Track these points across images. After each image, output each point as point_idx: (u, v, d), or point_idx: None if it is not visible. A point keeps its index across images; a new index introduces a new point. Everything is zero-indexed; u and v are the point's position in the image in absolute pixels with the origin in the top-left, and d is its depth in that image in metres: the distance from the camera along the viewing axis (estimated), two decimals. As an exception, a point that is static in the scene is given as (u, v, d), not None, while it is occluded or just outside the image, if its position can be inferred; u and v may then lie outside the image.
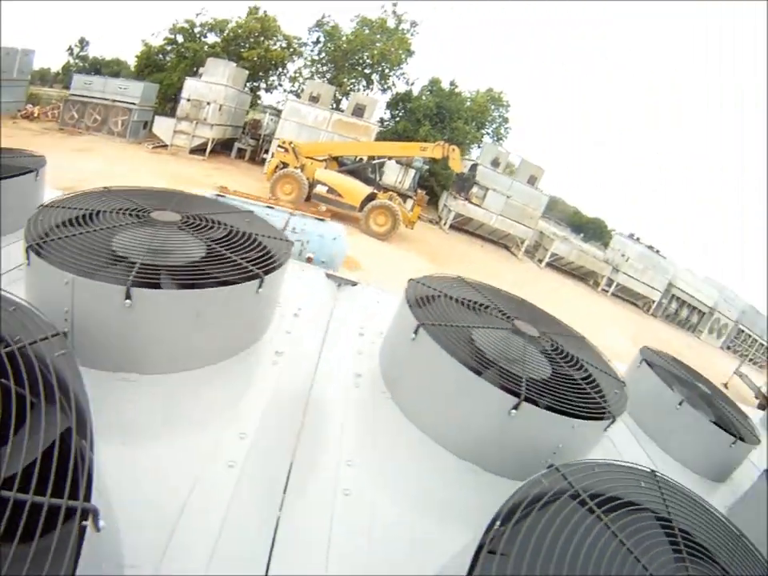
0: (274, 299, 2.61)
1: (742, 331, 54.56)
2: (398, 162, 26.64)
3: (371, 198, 21.98)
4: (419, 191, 26.09)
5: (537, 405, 2.07)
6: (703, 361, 38.15)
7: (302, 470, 1.82)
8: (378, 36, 35.38)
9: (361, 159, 24.08)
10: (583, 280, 40.23)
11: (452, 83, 37.79)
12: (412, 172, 29.14)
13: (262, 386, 2.19)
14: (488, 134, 41.29)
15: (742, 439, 3.11)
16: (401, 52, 35.86)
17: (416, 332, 2.26)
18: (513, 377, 2.16)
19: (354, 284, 3.71)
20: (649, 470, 1.76)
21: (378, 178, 24.41)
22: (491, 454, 2.16)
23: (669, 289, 44.75)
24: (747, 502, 2.68)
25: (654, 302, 44.22)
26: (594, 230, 73.44)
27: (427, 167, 29.74)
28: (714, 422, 3.06)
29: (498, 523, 1.33)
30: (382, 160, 24.05)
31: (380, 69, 36.67)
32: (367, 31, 35.11)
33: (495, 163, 32.24)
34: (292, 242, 2.78)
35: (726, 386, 33.05)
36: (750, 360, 56.76)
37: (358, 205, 21.71)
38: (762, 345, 59.03)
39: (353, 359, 2.63)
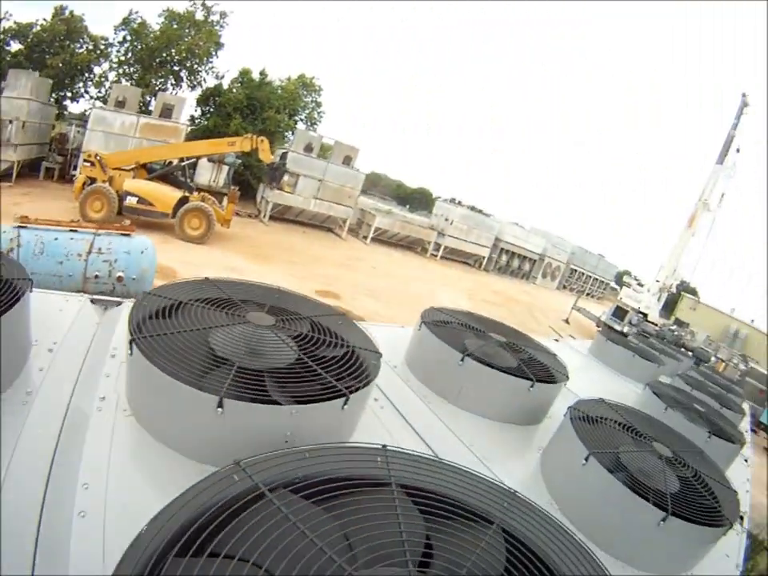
0: (21, 340, 2.37)
1: (575, 270, 58.23)
2: (209, 160, 26.06)
3: (183, 201, 21.26)
4: (233, 188, 25.72)
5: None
6: (542, 302, 39.81)
7: (45, 497, 1.70)
8: (187, 30, 33.85)
9: (171, 163, 23.15)
10: (411, 249, 40.82)
11: (262, 73, 36.82)
12: (226, 168, 28.92)
13: (13, 427, 1.98)
14: (301, 120, 40.66)
15: (545, 380, 3.14)
16: (209, 45, 34.49)
17: (130, 348, 2.10)
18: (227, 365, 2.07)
19: (119, 303, 3.33)
20: (381, 446, 1.72)
21: (189, 180, 23.84)
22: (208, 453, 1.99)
23: (497, 244, 46.42)
24: (557, 440, 2.70)
25: (484, 258, 45.70)
26: (419, 200, 74.60)
27: (240, 161, 29.44)
28: (506, 369, 3.04)
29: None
30: (192, 160, 23.52)
31: (188, 65, 35.20)
32: (175, 26, 33.36)
33: (309, 149, 32.28)
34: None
35: (567, 321, 35.26)
36: (588, 294, 60.74)
37: (171, 211, 20.99)
38: (597, 279, 63.33)
39: (102, 383, 2.39)
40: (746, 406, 9.17)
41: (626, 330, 31.21)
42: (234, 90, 35.58)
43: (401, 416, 2.70)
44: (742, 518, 3.22)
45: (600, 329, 34.24)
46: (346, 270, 25.35)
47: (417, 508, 1.56)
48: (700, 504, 2.36)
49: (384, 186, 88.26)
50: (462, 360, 2.93)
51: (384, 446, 1.76)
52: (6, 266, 2.42)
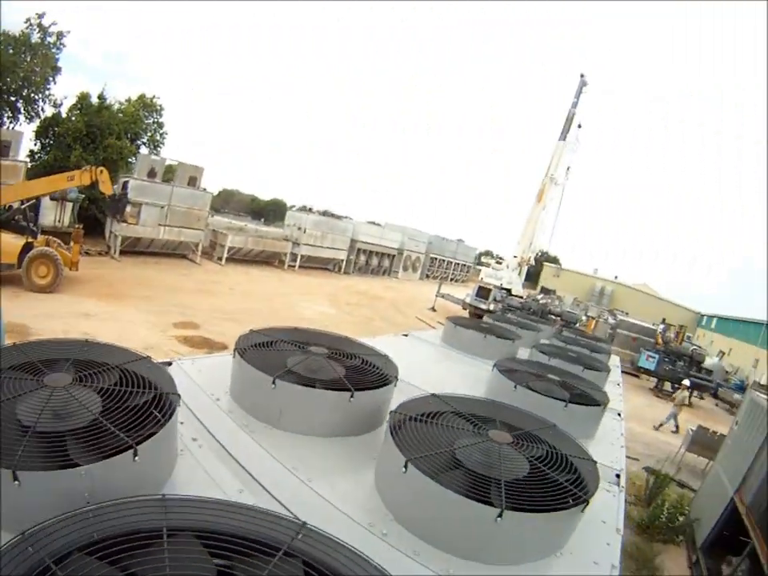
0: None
1: (435, 259, 59.65)
2: (52, 198, 24.58)
3: (28, 248, 20.00)
4: (77, 226, 24.32)
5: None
6: (406, 295, 40.77)
7: None
8: (22, 56, 31.28)
9: (11, 207, 21.11)
10: (269, 263, 40.75)
11: (100, 96, 34.82)
12: (71, 205, 27.46)
13: None
14: (144, 144, 39.19)
15: (370, 387, 3.06)
16: (46, 71, 32.25)
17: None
18: None
19: None
20: (160, 495, 1.72)
21: (32, 224, 21.65)
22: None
23: (353, 245, 46.84)
24: (382, 449, 2.61)
25: (342, 261, 46.16)
26: (274, 212, 74.74)
27: (84, 196, 28.21)
28: (322, 384, 3.01)
29: None
30: (32, 201, 21.54)
31: (24, 93, 32.65)
32: (11, 51, 30.58)
33: (152, 173, 31.31)
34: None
35: (433, 309, 36.00)
36: (452, 279, 62.26)
37: (15, 261, 19.62)
38: (458, 264, 64.99)
39: None
40: (615, 358, 9.59)
41: (491, 307, 32.16)
42: (73, 118, 33.63)
43: (223, 451, 2.61)
44: (618, 476, 3.41)
45: (467, 310, 35.29)
46: (203, 297, 25.01)
47: (207, 551, 1.55)
48: (546, 488, 2.36)
49: (237, 202, 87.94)
50: (274, 383, 2.86)
51: (163, 495, 1.74)
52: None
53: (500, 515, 2.06)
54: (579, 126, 39.11)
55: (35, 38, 32.21)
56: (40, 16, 32.24)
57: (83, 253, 25.63)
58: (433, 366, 5.85)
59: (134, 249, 31.36)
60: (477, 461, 2.44)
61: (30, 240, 20.36)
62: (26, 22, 31.89)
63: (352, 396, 2.90)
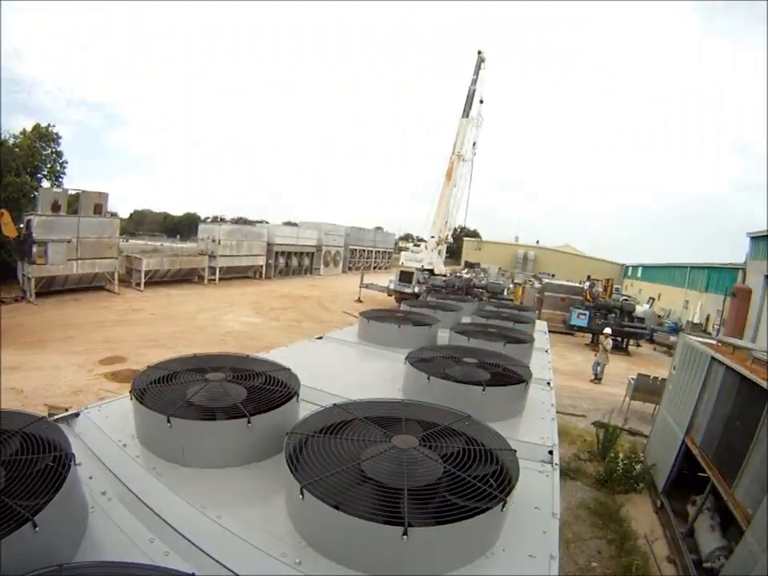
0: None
1: (355, 250, 59.95)
2: None
3: None
4: None
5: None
6: (331, 291, 41.01)
7: None
8: None
9: None
10: (188, 281, 40.42)
11: None
12: None
13: None
14: (45, 176, 38.02)
15: (269, 408, 3.03)
16: None
17: None
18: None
19: None
20: (57, 566, 1.74)
21: None
22: None
23: (270, 249, 46.85)
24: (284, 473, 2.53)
25: (262, 266, 46.32)
26: (188, 226, 74.01)
27: None
28: (217, 415, 3.00)
29: None
30: None
31: None
32: None
33: (56, 207, 30.55)
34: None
35: (359, 300, 36.16)
36: (375, 267, 62.57)
37: None
38: (379, 251, 65.31)
39: None
40: (542, 324, 9.77)
41: (416, 290, 32.38)
42: None
43: (133, 501, 2.57)
44: (551, 452, 3.32)
45: (392, 296, 35.52)
46: (126, 327, 24.61)
47: None
48: (460, 490, 2.28)
49: (151, 222, 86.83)
50: (169, 421, 2.82)
51: (60, 565, 1.73)
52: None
53: (405, 533, 1.97)
54: (481, 102, 39.70)
55: None
56: None
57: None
58: (349, 367, 5.73)
59: (50, 288, 30.68)
60: (380, 473, 2.37)
61: None
62: None
63: (249, 422, 2.85)
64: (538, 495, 2.74)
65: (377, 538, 2.02)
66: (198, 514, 2.46)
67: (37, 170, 36.91)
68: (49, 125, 38.46)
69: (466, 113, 39.09)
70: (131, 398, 3.13)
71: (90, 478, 2.69)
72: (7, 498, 2.07)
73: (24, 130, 37.33)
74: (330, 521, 2.12)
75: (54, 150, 38.90)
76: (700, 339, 11.33)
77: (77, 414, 3.49)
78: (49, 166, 38.64)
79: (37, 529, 1.94)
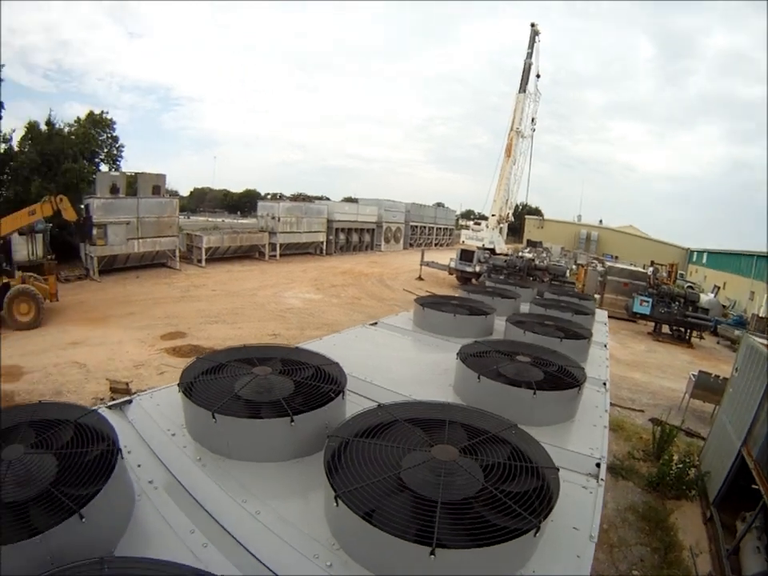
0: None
1: (415, 227, 59.56)
2: (20, 234, 23.47)
3: (5, 288, 20.21)
4: (48, 257, 24.22)
5: None
6: (392, 268, 40.59)
7: None
8: None
9: None
10: (249, 257, 40.65)
11: (47, 123, 34.36)
12: (41, 236, 25.69)
13: None
14: (102, 160, 38.84)
15: (312, 407, 3.00)
16: None
17: None
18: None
19: None
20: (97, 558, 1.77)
21: (6, 263, 21.89)
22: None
23: (331, 225, 46.69)
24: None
25: (322, 242, 46.14)
26: (249, 203, 74.51)
27: (51, 225, 26.58)
28: (260, 413, 2.99)
29: None
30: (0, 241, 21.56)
31: None
32: None
33: (114, 189, 31.28)
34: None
35: (420, 278, 35.93)
36: (436, 244, 62.18)
37: None
38: (441, 228, 64.86)
39: None
40: (602, 314, 9.30)
41: (477, 269, 32.06)
42: (26, 150, 33.19)
43: (178, 490, 2.64)
44: (599, 465, 3.14)
45: (454, 275, 35.25)
46: (187, 303, 25.03)
47: None
48: (495, 510, 2.19)
49: (211, 200, 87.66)
50: (214, 417, 2.85)
51: (102, 558, 1.76)
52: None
53: (432, 553, 1.90)
54: (538, 77, 39.15)
55: None
56: None
57: (63, 279, 26.10)
58: (401, 357, 5.50)
59: (113, 267, 31.41)
60: (415, 486, 2.30)
61: (6, 280, 20.55)
62: None
63: (292, 421, 2.86)
64: (578, 514, 2.61)
65: (405, 554, 1.99)
66: (238, 508, 2.50)
67: (94, 156, 37.54)
68: (102, 111, 39.21)
69: (522, 87, 38.56)
70: (179, 391, 3.17)
71: (139, 465, 2.77)
72: (58, 488, 2.15)
73: (78, 118, 37.97)
74: (359, 531, 2.12)
75: (109, 135, 39.57)
76: (764, 341, 10.57)
77: (129, 401, 3.55)
78: (105, 150, 39.35)
79: (83, 520, 2.01)
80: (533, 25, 38.22)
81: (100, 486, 2.18)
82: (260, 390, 3.18)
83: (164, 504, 2.51)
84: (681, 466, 11.17)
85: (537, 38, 38.32)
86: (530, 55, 38.51)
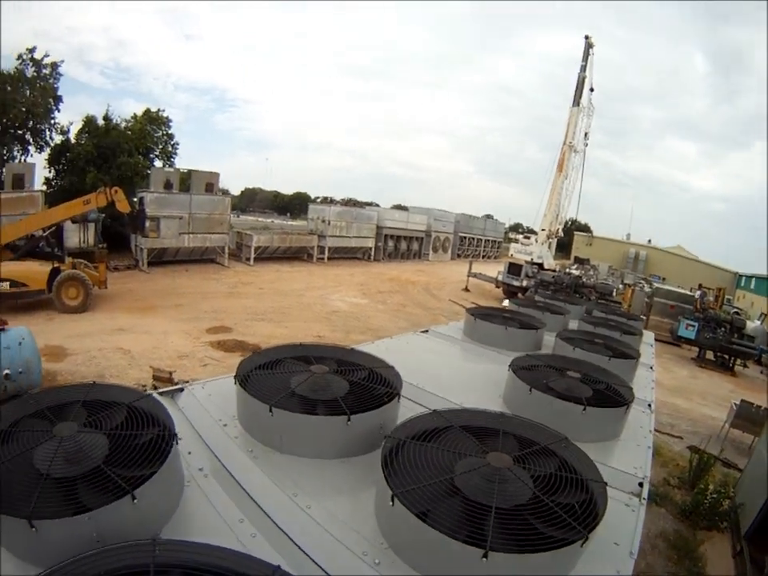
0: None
1: (464, 237, 59.39)
2: (73, 222, 24.47)
3: (56, 273, 20.59)
4: (100, 246, 24.99)
5: None
6: (439, 278, 40.47)
7: None
8: (21, 90, 32.07)
9: (33, 236, 21.95)
10: (298, 258, 40.83)
11: (105, 118, 35.50)
12: (93, 225, 26.74)
13: None
14: (157, 156, 39.84)
15: (368, 408, 3.00)
16: (47, 102, 33.25)
17: None
18: None
19: None
20: (150, 540, 1.79)
21: (57, 249, 22.67)
22: None
23: (380, 231, 46.76)
24: (377, 475, 2.45)
25: (371, 248, 46.26)
26: (299, 206, 75.17)
27: (104, 215, 27.48)
28: (318, 409, 3.00)
29: None
30: (53, 228, 22.24)
31: (30, 125, 33.60)
32: (9, 88, 31.18)
33: (168, 185, 31.92)
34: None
35: (467, 289, 35.78)
36: (484, 256, 61.99)
37: (45, 287, 20.28)
38: (489, 240, 64.65)
39: None
40: (649, 335, 9.09)
41: (524, 284, 31.93)
42: (83, 142, 34.10)
43: (228, 480, 2.66)
44: (641, 484, 3.11)
45: (501, 288, 35.09)
46: (234, 299, 25.23)
47: None
48: (545, 518, 2.19)
49: (261, 200, 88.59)
50: (271, 411, 2.87)
51: (153, 539, 1.78)
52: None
53: (485, 555, 1.93)
54: (591, 90, 38.60)
55: (30, 72, 32.97)
56: (31, 51, 32.92)
57: (112, 268, 26.64)
58: (451, 366, 5.57)
59: (162, 259, 31.92)
60: (471, 490, 2.31)
61: (57, 265, 20.94)
62: (18, 59, 32.60)
63: (349, 419, 2.86)
64: (620, 530, 2.59)
65: (457, 555, 1.99)
66: (288, 501, 2.51)
67: (149, 151, 38.48)
68: (159, 109, 40.27)
69: (576, 101, 38.08)
70: (235, 383, 3.19)
71: (189, 453, 2.79)
72: (110, 468, 2.16)
73: (135, 114, 38.97)
74: (414, 530, 2.11)
75: (165, 132, 40.59)
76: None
77: (181, 390, 3.60)
78: (160, 147, 40.38)
79: (135, 501, 2.02)
80: (587, 37, 37.54)
81: (155, 468, 2.19)
82: (316, 388, 3.20)
83: (213, 492, 2.53)
84: (715, 496, 10.91)
85: (591, 50, 37.62)
86: (583, 68, 37.90)
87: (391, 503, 2.18)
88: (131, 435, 2.43)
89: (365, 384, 3.36)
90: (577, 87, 38.40)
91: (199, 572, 1.70)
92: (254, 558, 1.82)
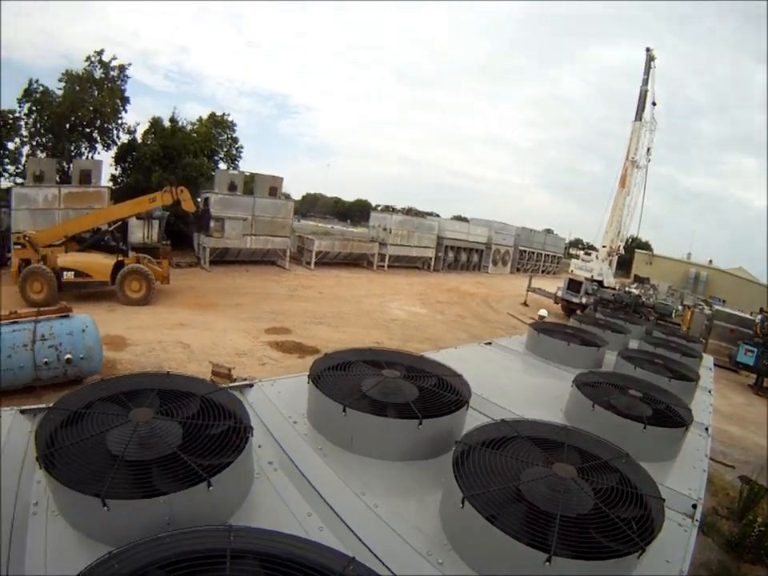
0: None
1: (524, 251, 58.84)
2: (138, 218, 25.39)
3: (119, 266, 21.19)
4: (164, 243, 25.71)
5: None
6: (497, 290, 40.03)
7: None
8: (89, 90, 33.43)
9: (99, 229, 22.64)
10: (358, 264, 40.96)
11: (171, 119, 36.79)
12: (157, 222, 28.31)
13: None
14: (221, 159, 40.86)
15: (438, 414, 3.03)
16: (114, 103, 34.48)
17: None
18: None
19: (44, 409, 2.89)
20: (227, 525, 1.83)
21: (122, 243, 23.61)
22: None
23: (441, 242, 46.67)
24: (446, 479, 2.52)
25: (431, 258, 46.08)
26: (359, 213, 75.52)
27: (168, 213, 28.88)
28: (391, 412, 3.05)
29: None
30: (118, 223, 22.89)
31: (98, 125, 34.87)
32: (77, 88, 32.75)
33: (233, 187, 32.61)
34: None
35: (525, 303, 35.37)
36: (543, 271, 61.35)
37: (108, 278, 20.91)
38: (548, 255, 63.98)
39: (34, 489, 2.35)
40: (708, 359, 9.00)
41: (583, 301, 31.47)
42: (149, 142, 35.27)
43: (296, 474, 2.72)
44: (695, 506, 3.13)
45: (559, 303, 34.68)
46: (293, 302, 25.41)
47: (264, 573, 1.70)
48: (605, 529, 2.22)
49: (322, 206, 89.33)
50: (345, 411, 2.92)
51: (230, 525, 1.84)
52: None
53: (548, 560, 1.98)
54: (654, 104, 37.67)
55: (98, 74, 34.23)
56: (99, 53, 34.20)
57: (174, 265, 27.08)
58: (515, 379, 5.62)
59: (223, 258, 32.52)
60: (536, 497, 2.37)
61: (121, 258, 21.53)
62: (86, 60, 34.02)
63: (420, 423, 2.91)
64: (672, 548, 2.61)
65: (521, 557, 2.03)
66: (356, 499, 2.56)
67: (213, 153, 39.63)
68: (224, 113, 41.31)
69: (638, 116, 37.21)
70: (308, 382, 3.26)
71: (260, 446, 2.84)
72: (186, 455, 2.23)
73: (200, 117, 40.23)
74: (481, 532, 2.15)
75: (229, 135, 41.62)
76: None
77: (250, 385, 3.69)
78: (225, 150, 41.42)
79: (210, 488, 2.09)
80: (648, 49, 36.51)
81: (231, 459, 2.26)
82: (387, 392, 3.26)
83: (282, 485, 2.59)
84: (763, 528, 10.49)
85: (652, 63, 36.61)
86: (645, 81, 36.90)
87: (461, 505, 2.22)
88: (205, 425, 2.50)
89: (434, 390, 3.40)
90: (639, 101, 37.50)
91: (274, 559, 1.73)
92: (329, 548, 1.86)
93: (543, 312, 22.86)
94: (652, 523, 2.33)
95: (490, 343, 6.64)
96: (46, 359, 11.22)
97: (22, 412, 3.15)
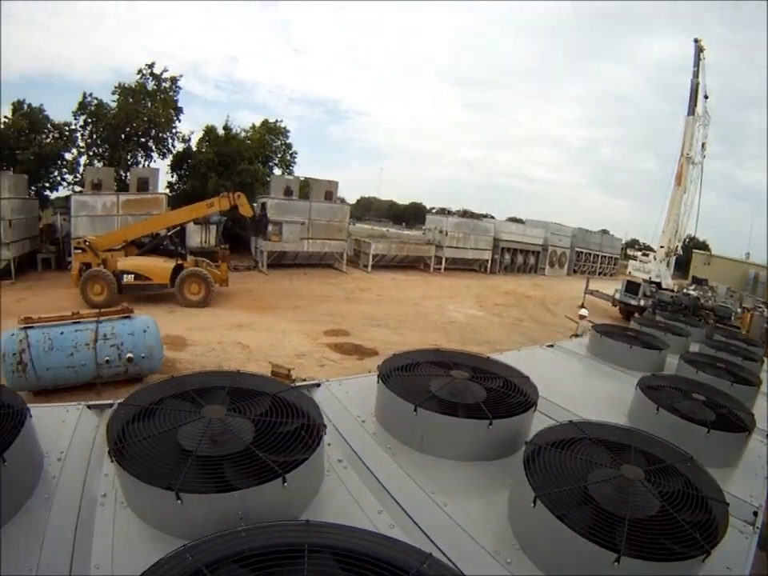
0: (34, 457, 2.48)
1: (581, 253, 57.90)
2: (196, 223, 26.18)
3: (179, 270, 21.68)
4: (223, 246, 25.85)
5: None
6: (554, 293, 39.57)
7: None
8: (143, 102, 34.58)
9: (158, 234, 23.24)
10: (414, 267, 41.00)
11: (225, 127, 37.61)
12: (214, 227, 29.20)
13: (37, 527, 2.11)
14: (276, 165, 41.60)
15: (508, 414, 3.03)
16: (168, 113, 35.45)
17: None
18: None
19: (110, 405, 3.13)
20: (305, 521, 1.86)
21: (180, 247, 24.11)
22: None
23: (497, 244, 46.23)
24: (515, 478, 2.55)
25: (487, 260, 45.77)
26: (414, 215, 75.39)
27: (225, 218, 29.54)
28: (462, 412, 3.03)
29: None
30: (177, 228, 23.57)
31: (153, 134, 36.01)
32: (131, 100, 34.01)
33: (288, 192, 33.03)
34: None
35: (583, 305, 35.03)
36: (600, 273, 60.29)
37: (168, 281, 21.37)
38: (605, 256, 62.88)
39: (102, 481, 2.45)
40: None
41: (642, 303, 30.88)
42: (204, 150, 36.20)
43: (366, 473, 2.74)
44: (756, 513, 3.06)
45: (617, 306, 34.09)
46: (351, 304, 25.56)
47: (341, 568, 1.70)
48: (671, 531, 2.23)
49: (377, 209, 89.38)
50: (416, 410, 2.93)
51: (307, 520, 1.87)
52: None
53: (617, 560, 1.99)
54: (706, 97, 36.28)
55: (150, 86, 35.31)
56: (150, 66, 35.27)
57: (232, 268, 27.28)
58: (577, 381, 5.66)
59: (281, 262, 32.87)
60: (605, 498, 2.38)
61: (180, 262, 22.07)
62: (138, 73, 35.12)
63: (491, 424, 2.91)
64: (732, 555, 2.56)
65: (590, 557, 2.05)
66: (426, 498, 2.57)
67: (268, 159, 40.46)
68: (277, 120, 42.01)
69: (691, 110, 35.89)
70: (378, 381, 3.29)
71: (329, 444, 2.84)
72: (260, 452, 2.26)
73: (253, 124, 40.96)
74: (551, 531, 2.15)
75: (283, 142, 42.33)
76: None
77: (318, 385, 3.74)
78: (279, 156, 42.15)
79: (285, 484, 2.11)
80: (696, 40, 35.12)
81: (306, 455, 2.29)
82: (455, 392, 3.26)
83: (353, 483, 2.60)
84: None
85: (702, 54, 35.11)
86: (695, 74, 35.25)
87: (533, 504, 2.23)
88: (277, 423, 2.52)
89: (502, 391, 3.41)
90: (691, 95, 36.12)
91: (351, 554, 1.74)
92: (406, 544, 1.86)
93: (584, 312, 22.39)
94: (716, 528, 2.32)
95: (552, 345, 6.59)
96: (107, 357, 11.62)
97: (90, 407, 3.24)
